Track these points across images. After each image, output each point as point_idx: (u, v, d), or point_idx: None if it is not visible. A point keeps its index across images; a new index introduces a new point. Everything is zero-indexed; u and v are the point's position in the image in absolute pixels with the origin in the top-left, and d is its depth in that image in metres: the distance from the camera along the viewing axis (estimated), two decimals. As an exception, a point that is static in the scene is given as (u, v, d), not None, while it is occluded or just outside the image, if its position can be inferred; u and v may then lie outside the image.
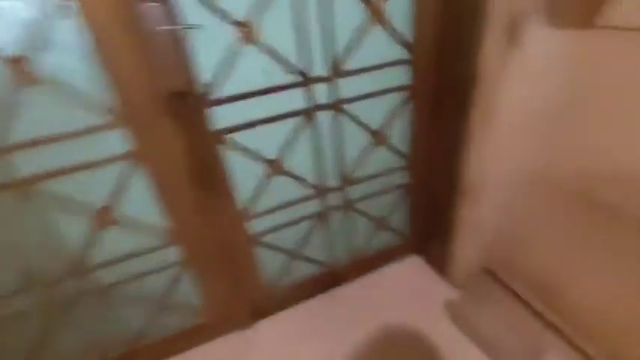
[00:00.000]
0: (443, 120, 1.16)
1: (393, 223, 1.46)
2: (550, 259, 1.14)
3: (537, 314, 1.23)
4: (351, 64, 1.03)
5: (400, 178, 1.35)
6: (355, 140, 1.18)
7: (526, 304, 1.26)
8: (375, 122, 1.18)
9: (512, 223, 1.24)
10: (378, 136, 1.21)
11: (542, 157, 1.06)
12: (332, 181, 1.22)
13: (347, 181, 1.24)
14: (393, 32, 1.04)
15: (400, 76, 1.13)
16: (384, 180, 1.32)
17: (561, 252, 1.09)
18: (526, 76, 0.98)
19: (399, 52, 1.08)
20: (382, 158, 1.27)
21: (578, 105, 0.93)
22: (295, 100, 1.02)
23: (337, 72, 1.02)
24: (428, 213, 1.42)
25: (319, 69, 1.00)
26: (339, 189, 1.25)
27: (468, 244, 1.32)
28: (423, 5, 1.01)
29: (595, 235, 0.98)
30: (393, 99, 1.16)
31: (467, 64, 1.00)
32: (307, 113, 1.05)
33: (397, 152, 1.28)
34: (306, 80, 1.00)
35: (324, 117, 1.08)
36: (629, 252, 0.90)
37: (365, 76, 1.08)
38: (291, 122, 1.05)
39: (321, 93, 1.04)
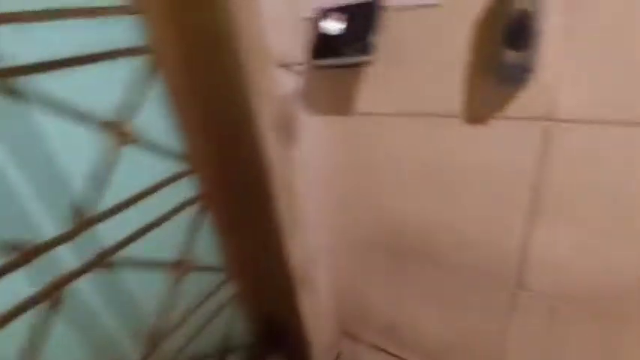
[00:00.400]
0: (249, 219, 1.02)
1: (235, 340, 1.21)
2: (387, 304, 1.20)
3: (396, 357, 1.28)
4: (108, 201, 0.74)
5: (225, 294, 1.13)
6: (151, 285, 0.87)
7: (384, 352, 1.31)
8: (172, 249, 0.91)
9: (350, 285, 1.25)
10: (180, 266, 0.94)
11: (351, 223, 1.09)
12: (138, 349, 0.86)
13: (158, 337, 0.91)
14: (156, 148, 0.81)
15: (185, 189, 0.92)
16: (206, 306, 1.06)
17: (390, 295, 1.16)
18: (310, 157, 0.98)
19: (173, 166, 0.87)
20: (195, 285, 1.01)
21: (362, 174, 0.99)
22: (19, 285, 0.63)
23: (85, 219, 0.71)
24: (269, 311, 1.26)
25: (54, 226, 0.66)
26: (154, 349, 0.90)
27: (319, 322, 1.25)
28: (184, 114, 0.84)
29: (406, 274, 1.08)
30: (185, 216, 0.93)
31: (252, 160, 0.90)
32: (49, 294, 0.67)
33: (212, 270, 1.05)
34: (28, 254, 0.63)
35: (87, 283, 0.73)
36: (432, 285, 1.04)
37: (140, 205, 0.80)
38: (25, 319, 0.64)
39: (70, 255, 0.69)
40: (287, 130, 0.88)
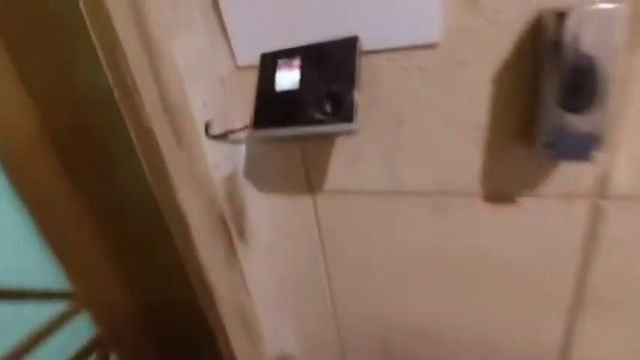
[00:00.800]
0: (183, 355, 0.69)
1: None
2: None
3: None
4: None
5: None
6: None
7: None
8: None
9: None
10: None
11: (331, 330, 0.81)
12: None
13: None
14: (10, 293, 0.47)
15: (76, 335, 0.57)
16: None
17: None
18: (266, 258, 0.69)
19: (47, 308, 0.52)
20: None
21: (340, 268, 0.73)
22: None
23: None
24: None
25: None
26: None
27: None
28: (54, 221, 0.51)
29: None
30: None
31: (180, 277, 0.59)
32: None
33: None
34: None
35: None
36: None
37: None
38: None
39: None
40: (229, 227, 0.59)
